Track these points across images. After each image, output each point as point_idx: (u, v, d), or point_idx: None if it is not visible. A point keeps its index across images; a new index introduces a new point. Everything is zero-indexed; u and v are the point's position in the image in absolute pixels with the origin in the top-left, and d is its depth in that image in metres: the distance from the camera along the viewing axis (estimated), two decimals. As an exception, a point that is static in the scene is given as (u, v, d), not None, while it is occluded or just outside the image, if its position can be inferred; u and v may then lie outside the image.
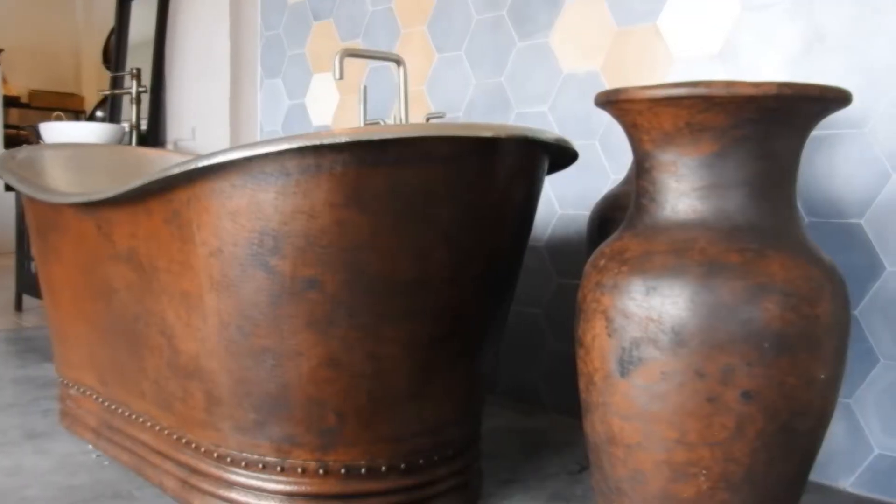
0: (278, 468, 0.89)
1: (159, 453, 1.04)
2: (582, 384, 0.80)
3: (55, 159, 1.46)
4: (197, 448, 0.96)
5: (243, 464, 0.91)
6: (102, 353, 1.14)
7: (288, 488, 0.89)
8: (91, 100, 4.92)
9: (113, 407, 1.14)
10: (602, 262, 0.78)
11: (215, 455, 0.93)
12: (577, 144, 1.39)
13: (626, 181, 1.07)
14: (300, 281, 0.82)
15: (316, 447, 0.88)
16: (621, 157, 1.33)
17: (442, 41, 1.62)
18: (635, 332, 0.72)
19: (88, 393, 1.21)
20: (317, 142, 0.75)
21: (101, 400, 1.18)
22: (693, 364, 0.70)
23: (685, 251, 0.72)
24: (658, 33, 1.27)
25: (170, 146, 2.52)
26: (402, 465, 0.92)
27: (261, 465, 0.90)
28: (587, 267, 0.81)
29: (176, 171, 0.83)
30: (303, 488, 0.89)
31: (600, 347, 0.76)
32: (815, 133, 1.09)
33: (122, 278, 1.03)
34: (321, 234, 0.80)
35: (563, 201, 1.43)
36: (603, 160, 1.36)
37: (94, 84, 4.84)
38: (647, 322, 0.71)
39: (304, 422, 0.87)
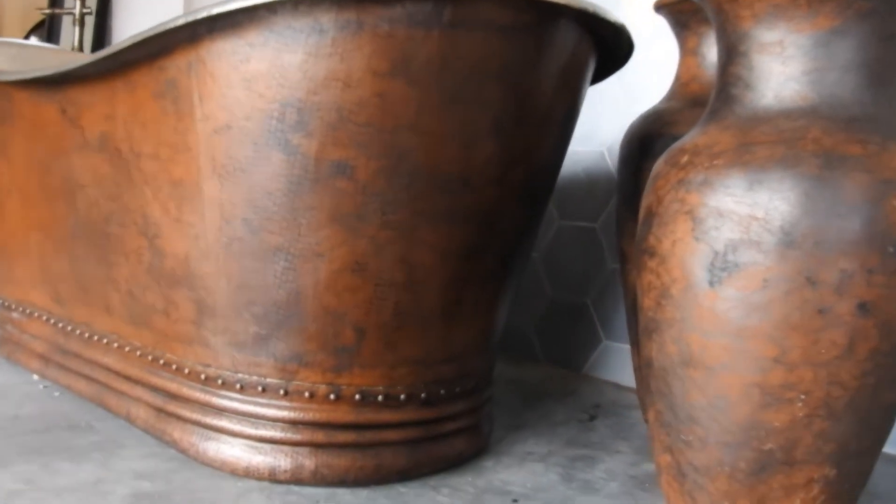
0: (281, 391, 0.76)
1: (127, 378, 0.89)
2: (649, 301, 0.69)
3: (-3, 54, 1.27)
4: (178, 369, 0.82)
5: (238, 386, 0.77)
6: (59, 266, 0.97)
7: (291, 415, 0.76)
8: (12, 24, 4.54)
9: (69, 328, 0.98)
10: (685, 159, 0.67)
11: (203, 376, 0.79)
12: (591, 73, 1.29)
13: (669, 97, 0.97)
14: (328, 165, 0.69)
15: (328, 368, 0.75)
16: (637, 91, 1.23)
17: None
18: (732, 232, 0.62)
19: (37, 315, 1.04)
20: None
21: (53, 321, 1.01)
22: (804, 269, 0.60)
23: (796, 140, 0.62)
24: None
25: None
26: (423, 395, 0.80)
27: (260, 388, 0.76)
28: (660, 167, 0.70)
29: (178, 22, 0.68)
30: (309, 415, 0.76)
31: (682, 254, 0.65)
32: None
33: (90, 172, 0.87)
34: (358, 108, 0.67)
35: (571, 135, 1.32)
36: (619, 93, 1.26)
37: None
38: (748, 221, 0.61)
39: (316, 337, 0.74)
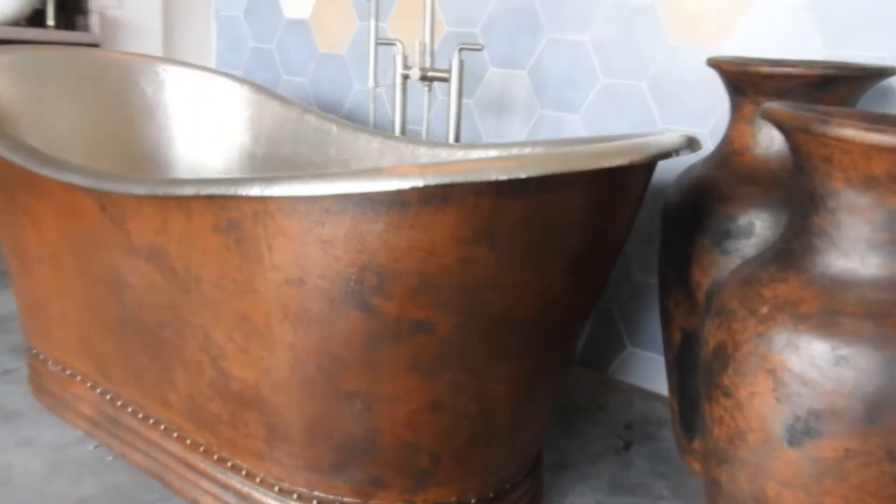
0: (359, 509, 0.78)
1: (192, 468, 0.90)
2: (721, 433, 0.72)
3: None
4: (250, 475, 0.84)
5: (315, 502, 0.80)
6: (104, 346, 0.96)
7: (369, 530, 0.79)
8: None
9: (119, 403, 0.99)
10: (764, 310, 0.67)
11: (277, 489, 0.81)
12: (622, 85, 1.24)
13: (720, 163, 0.95)
14: (408, 323, 0.68)
15: (404, 489, 0.78)
16: (670, 101, 1.20)
17: (455, -61, 1.38)
18: (816, 402, 0.64)
19: (80, 379, 1.04)
20: (457, 178, 0.59)
21: (99, 391, 1.01)
22: (885, 445, 0.62)
23: (884, 317, 0.62)
24: (735, -33, 1.11)
25: (94, 17, 2.15)
26: (491, 495, 0.83)
27: (337, 506, 0.79)
28: (734, 305, 0.70)
29: (251, 192, 0.65)
30: (386, 529, 0.79)
31: (761, 408, 0.67)
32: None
33: (139, 276, 0.84)
34: (440, 273, 0.66)
35: (599, 145, 1.30)
36: (651, 103, 1.22)
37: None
38: (833, 395, 0.63)
39: (393, 464, 0.76)
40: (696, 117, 1.18)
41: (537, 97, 1.33)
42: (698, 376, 0.95)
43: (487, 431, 0.77)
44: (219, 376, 0.80)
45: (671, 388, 1.06)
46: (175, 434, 0.91)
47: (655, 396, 1.31)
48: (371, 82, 1.29)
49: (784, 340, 0.65)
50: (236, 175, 1.35)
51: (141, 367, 0.91)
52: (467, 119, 1.42)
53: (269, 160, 1.33)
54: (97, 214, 0.86)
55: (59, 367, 1.07)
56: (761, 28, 1.10)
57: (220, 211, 0.71)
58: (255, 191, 0.64)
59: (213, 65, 1.85)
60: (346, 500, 0.78)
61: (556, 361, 0.80)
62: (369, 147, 1.21)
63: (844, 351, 0.62)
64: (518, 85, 1.35)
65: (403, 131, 1.26)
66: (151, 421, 0.94)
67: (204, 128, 1.36)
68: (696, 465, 1.04)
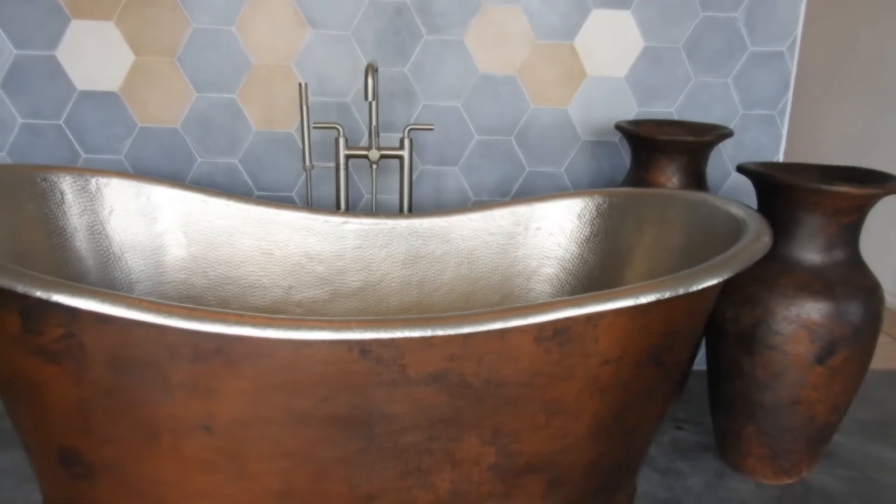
0: (605, 515, 1.04)
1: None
2: (766, 372, 1.19)
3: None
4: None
5: (576, 525, 1.02)
6: (303, 488, 0.94)
7: (609, 526, 1.05)
8: None
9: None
10: (790, 291, 1.16)
11: (544, 530, 1.00)
12: (494, 140, 1.57)
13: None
14: (664, 368, 0.97)
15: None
16: (533, 149, 1.58)
17: (317, 14, 1.47)
18: (832, 337, 1.15)
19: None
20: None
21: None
22: (863, 349, 1.17)
23: (847, 285, 1.16)
24: (574, 51, 1.53)
25: None
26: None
27: (593, 519, 1.03)
28: (756, 291, 1.17)
29: (578, 311, 0.85)
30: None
31: (798, 347, 1.16)
32: None
33: (401, 405, 0.90)
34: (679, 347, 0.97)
35: (477, 189, 1.60)
36: (519, 153, 1.58)
37: None
38: (839, 330, 1.15)
39: (634, 472, 1.04)
40: (554, 160, 1.59)
41: (417, 155, 1.56)
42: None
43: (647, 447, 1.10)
44: (503, 460, 0.94)
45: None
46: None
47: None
48: (307, 163, 1.34)
49: (810, 308, 1.15)
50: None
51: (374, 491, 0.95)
52: (364, 179, 1.55)
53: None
54: (347, 359, 0.87)
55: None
56: (594, 93, 1.56)
57: (547, 324, 0.87)
58: (587, 309, 0.85)
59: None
60: (599, 511, 1.03)
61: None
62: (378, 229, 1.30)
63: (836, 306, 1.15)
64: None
65: (349, 208, 1.37)
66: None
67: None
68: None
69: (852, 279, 1.17)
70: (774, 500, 1.25)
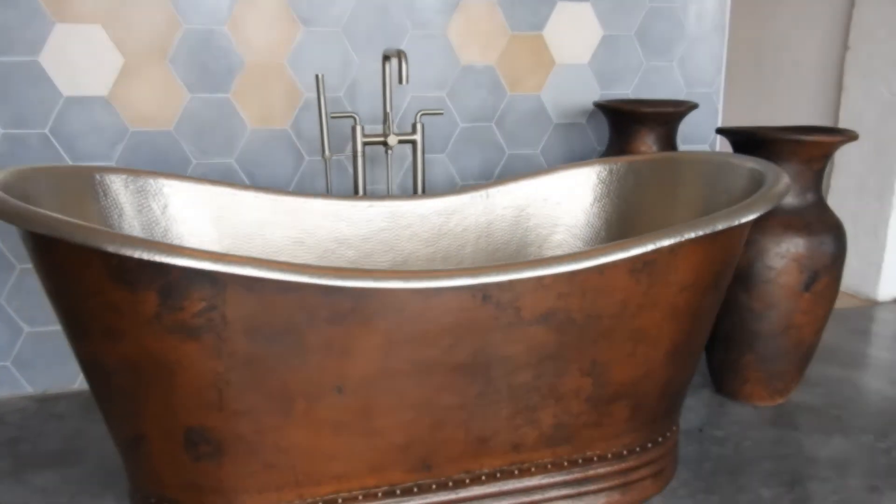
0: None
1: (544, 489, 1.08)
2: (762, 303, 1.37)
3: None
4: (588, 460, 1.10)
5: (639, 448, 1.13)
6: (424, 437, 0.99)
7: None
8: None
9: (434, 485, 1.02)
10: (778, 230, 1.34)
11: (611, 454, 1.11)
12: (477, 127, 1.67)
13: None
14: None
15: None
16: (512, 134, 1.70)
17: (308, 12, 1.52)
18: (816, 267, 1.35)
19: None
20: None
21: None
22: (835, 275, 1.38)
23: (820, 222, 1.37)
24: (543, 41, 1.67)
25: None
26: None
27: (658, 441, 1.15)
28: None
29: (687, 234, 0.98)
30: (674, 441, 1.19)
31: (789, 278, 1.35)
32: None
33: (516, 346, 0.98)
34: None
35: (463, 174, 1.69)
36: (499, 137, 1.69)
37: None
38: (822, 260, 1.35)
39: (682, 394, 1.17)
40: (530, 143, 1.71)
41: (408, 145, 1.63)
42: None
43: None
44: (597, 390, 1.05)
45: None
46: (527, 469, 1.06)
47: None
48: (326, 153, 1.39)
49: (796, 243, 1.34)
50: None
51: (476, 433, 1.02)
52: (367, 168, 1.60)
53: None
54: (470, 306, 0.94)
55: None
56: (562, 79, 1.70)
57: (639, 257, 0.99)
58: (672, 240, 0.98)
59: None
60: (667, 434, 1.15)
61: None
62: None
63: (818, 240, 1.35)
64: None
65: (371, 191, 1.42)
66: (497, 474, 1.05)
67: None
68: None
69: (824, 217, 1.38)
70: (773, 418, 1.43)
